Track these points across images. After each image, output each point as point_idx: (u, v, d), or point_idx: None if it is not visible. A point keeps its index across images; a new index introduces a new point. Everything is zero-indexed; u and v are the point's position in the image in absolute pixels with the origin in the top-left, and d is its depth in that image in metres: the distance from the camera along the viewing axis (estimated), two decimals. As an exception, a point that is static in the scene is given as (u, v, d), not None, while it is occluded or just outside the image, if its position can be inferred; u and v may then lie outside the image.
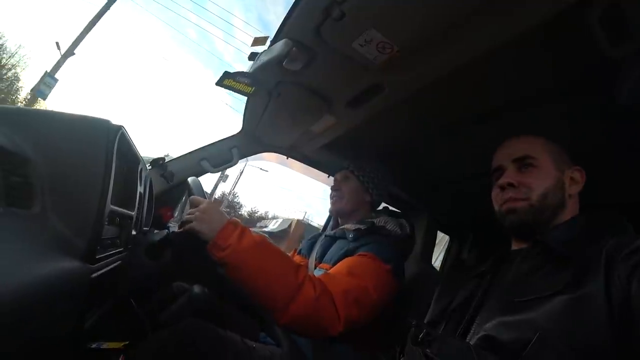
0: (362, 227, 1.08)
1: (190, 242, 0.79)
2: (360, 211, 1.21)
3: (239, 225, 0.81)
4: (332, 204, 1.24)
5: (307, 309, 0.77)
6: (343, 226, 1.16)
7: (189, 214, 0.81)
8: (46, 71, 7.69)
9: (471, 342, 0.57)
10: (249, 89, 0.90)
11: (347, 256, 1.00)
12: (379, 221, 1.12)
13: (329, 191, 1.28)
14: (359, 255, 0.97)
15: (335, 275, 0.89)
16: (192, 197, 0.86)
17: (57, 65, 7.82)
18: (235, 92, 0.90)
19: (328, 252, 1.11)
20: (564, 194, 0.68)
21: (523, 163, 0.70)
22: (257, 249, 0.79)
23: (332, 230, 1.23)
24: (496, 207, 0.73)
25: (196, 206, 0.82)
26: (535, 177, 0.68)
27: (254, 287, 0.77)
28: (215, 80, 0.86)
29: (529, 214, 0.67)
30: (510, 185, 0.69)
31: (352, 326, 0.83)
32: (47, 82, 7.67)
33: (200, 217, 0.79)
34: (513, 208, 0.68)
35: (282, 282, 0.77)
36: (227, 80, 0.87)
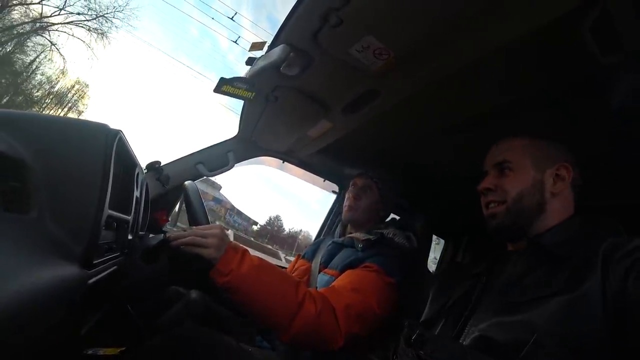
0: (371, 237, 1.09)
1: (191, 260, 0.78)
2: (372, 223, 1.22)
3: (239, 249, 0.81)
4: (349, 211, 1.22)
5: (308, 326, 0.78)
6: (352, 235, 1.16)
7: (196, 236, 0.78)
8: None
9: (466, 342, 0.57)
10: (249, 94, 0.90)
11: (354, 264, 1.01)
12: (388, 233, 1.13)
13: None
14: (365, 268, 0.98)
15: (339, 290, 0.89)
16: (200, 225, 0.83)
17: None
18: (235, 97, 0.90)
19: (335, 259, 1.11)
20: (543, 193, 0.68)
21: (501, 167, 0.72)
22: (257, 272, 0.79)
23: (340, 237, 1.24)
24: (484, 212, 0.75)
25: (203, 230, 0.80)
26: (511, 180, 0.70)
27: (256, 309, 0.79)
28: (213, 87, 0.86)
29: (506, 217, 0.69)
30: (488, 189, 0.72)
31: (354, 340, 0.84)
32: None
33: (217, 245, 0.77)
34: (493, 214, 0.71)
35: (283, 302, 0.78)
36: (225, 86, 0.87)
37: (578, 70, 0.69)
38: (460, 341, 0.59)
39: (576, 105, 0.78)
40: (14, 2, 13.76)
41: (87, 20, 15.08)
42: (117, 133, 0.55)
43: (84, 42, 15.49)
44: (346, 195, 1.28)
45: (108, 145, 0.53)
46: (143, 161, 1.29)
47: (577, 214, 0.69)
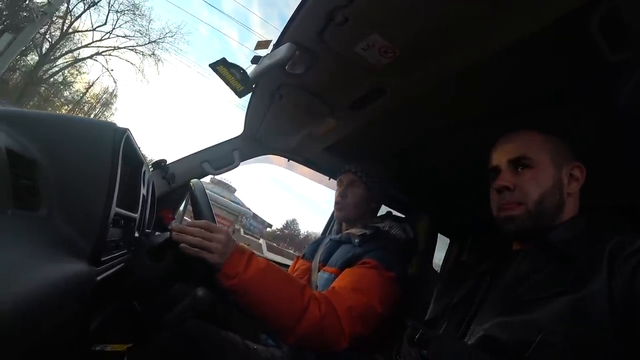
0: (367, 232, 1.09)
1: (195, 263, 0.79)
2: (365, 217, 1.22)
3: (245, 251, 0.82)
4: (338, 210, 1.24)
5: (313, 329, 0.79)
6: (348, 231, 1.17)
7: (203, 238, 0.77)
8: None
9: (470, 342, 0.57)
10: (238, 85, 0.88)
11: (352, 261, 1.01)
12: (384, 226, 1.14)
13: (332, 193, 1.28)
14: (363, 265, 0.98)
15: (340, 292, 0.90)
16: (207, 222, 0.82)
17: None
18: (225, 83, 0.87)
19: (333, 255, 1.12)
20: (563, 194, 0.66)
21: (519, 163, 0.67)
22: (263, 275, 0.80)
23: (337, 234, 1.24)
24: (494, 212, 0.71)
25: (210, 231, 0.78)
26: (532, 179, 0.66)
27: (262, 311, 0.79)
28: (211, 62, 0.82)
29: (527, 221, 0.65)
30: (506, 188, 0.67)
31: (358, 340, 0.85)
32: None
33: (221, 251, 0.77)
34: (510, 216, 0.66)
35: (288, 305, 0.79)
36: (221, 67, 0.84)
37: (586, 69, 0.69)
38: (465, 341, 0.58)
39: (580, 103, 0.78)
40: (70, 30, 14.78)
41: (140, 45, 16.00)
42: (124, 131, 0.56)
43: (133, 64, 16.46)
44: (334, 194, 1.29)
45: (116, 143, 0.53)
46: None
47: (584, 213, 0.67)
